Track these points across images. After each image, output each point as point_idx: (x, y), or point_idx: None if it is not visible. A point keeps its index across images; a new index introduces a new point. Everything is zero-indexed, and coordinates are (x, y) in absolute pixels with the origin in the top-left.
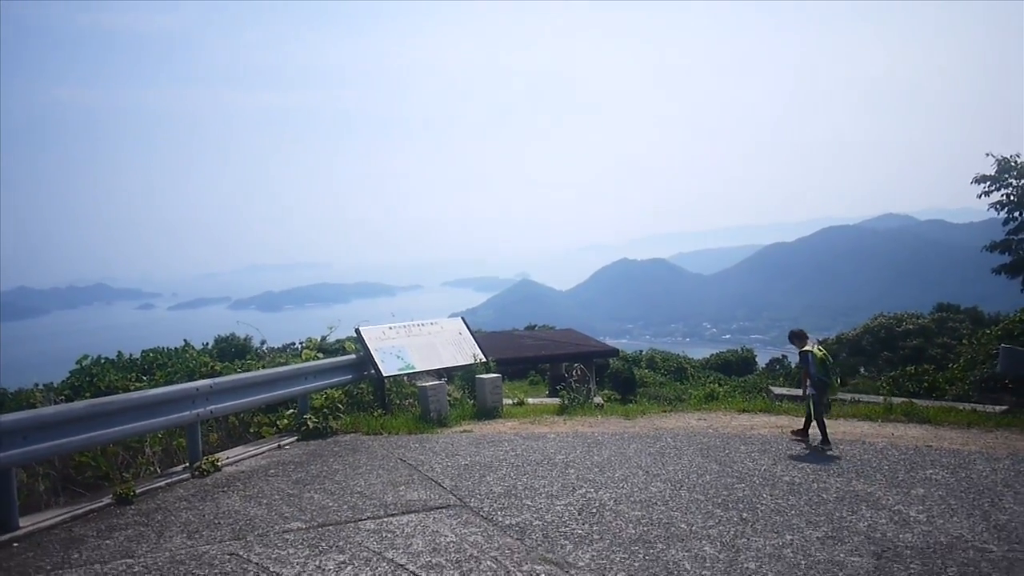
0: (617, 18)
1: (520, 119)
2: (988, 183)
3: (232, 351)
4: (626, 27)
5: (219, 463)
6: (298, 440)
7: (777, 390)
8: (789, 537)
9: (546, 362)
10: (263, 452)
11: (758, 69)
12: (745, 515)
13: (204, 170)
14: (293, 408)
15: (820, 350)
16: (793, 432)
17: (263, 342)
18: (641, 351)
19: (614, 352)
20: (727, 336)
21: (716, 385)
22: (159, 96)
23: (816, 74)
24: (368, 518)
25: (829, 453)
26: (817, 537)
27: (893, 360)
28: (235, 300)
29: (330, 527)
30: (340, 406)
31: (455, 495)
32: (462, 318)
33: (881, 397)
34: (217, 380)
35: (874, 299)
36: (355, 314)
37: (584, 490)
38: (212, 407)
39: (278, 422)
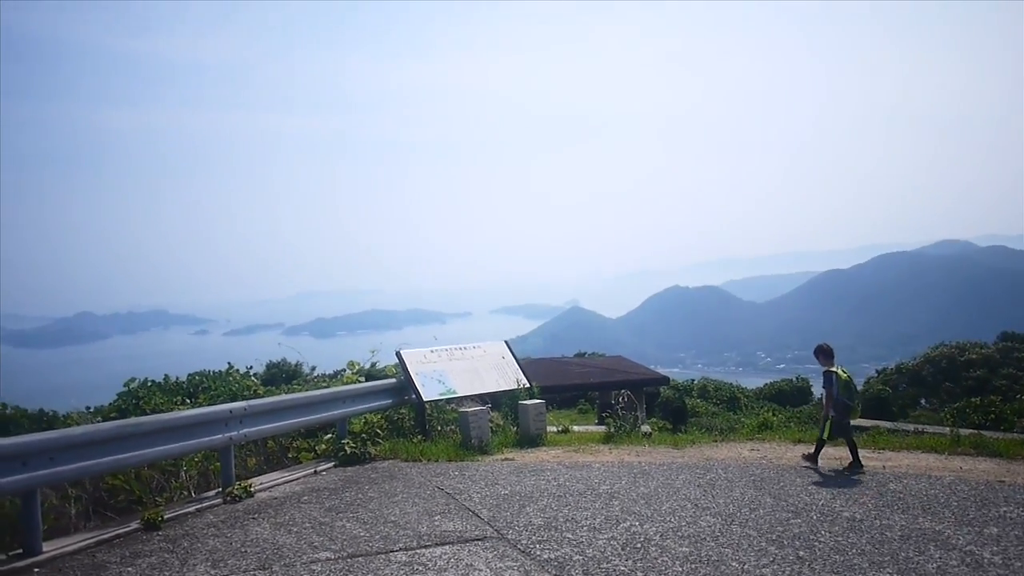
0: (664, 38)
1: (569, 142)
2: None
3: (283, 376)
4: (673, 47)
5: (252, 488)
6: (335, 466)
7: None
8: None
9: (595, 390)
10: (298, 478)
11: (810, 90)
12: (802, 553)
13: (257, 197)
14: (332, 433)
15: (844, 372)
16: (804, 456)
17: (313, 368)
18: (693, 380)
19: (664, 380)
20: (781, 365)
21: (770, 414)
22: (212, 121)
23: (870, 97)
24: (400, 549)
25: (859, 477)
26: None
27: (955, 391)
28: (288, 327)
29: (360, 558)
30: (379, 431)
31: (492, 526)
32: (505, 342)
33: (947, 428)
34: (251, 403)
35: (932, 328)
36: (406, 340)
37: (629, 523)
38: (246, 430)
39: (316, 447)
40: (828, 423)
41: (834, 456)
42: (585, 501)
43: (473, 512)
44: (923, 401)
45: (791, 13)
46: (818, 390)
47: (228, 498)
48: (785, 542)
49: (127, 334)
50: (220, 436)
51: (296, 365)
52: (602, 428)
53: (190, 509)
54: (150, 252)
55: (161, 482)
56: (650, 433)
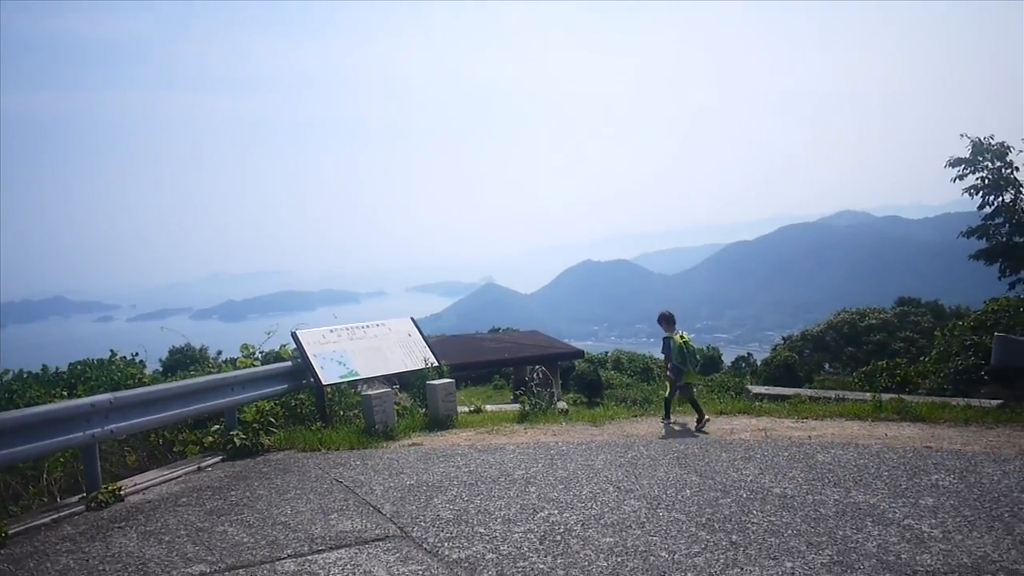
0: (581, 22)
1: (480, 122)
2: (962, 166)
3: (187, 362)
4: (589, 31)
5: (122, 492)
6: (222, 460)
7: (756, 388)
8: (789, 564)
9: (509, 366)
10: (179, 476)
11: (717, 71)
12: (735, 538)
13: (163, 177)
14: (221, 424)
15: (683, 337)
16: (663, 419)
17: (219, 352)
18: (607, 352)
19: (579, 354)
20: (692, 335)
21: None
22: (114, 102)
23: (774, 74)
24: (288, 556)
25: (705, 431)
26: (822, 563)
27: (857, 355)
28: (197, 310)
29: (240, 570)
30: (273, 420)
31: (395, 523)
32: (412, 318)
33: (869, 394)
34: (118, 395)
35: (835, 295)
36: (319, 321)
37: (546, 512)
38: (113, 426)
39: (204, 440)
40: (669, 384)
41: (759, 428)
42: (499, 489)
43: (374, 507)
44: (827, 366)
45: None
46: (729, 357)
47: (92, 504)
48: (716, 525)
49: (23, 323)
50: (81, 434)
51: (201, 350)
52: (517, 406)
53: (45, 520)
54: (48, 236)
55: (18, 488)
56: (567, 410)
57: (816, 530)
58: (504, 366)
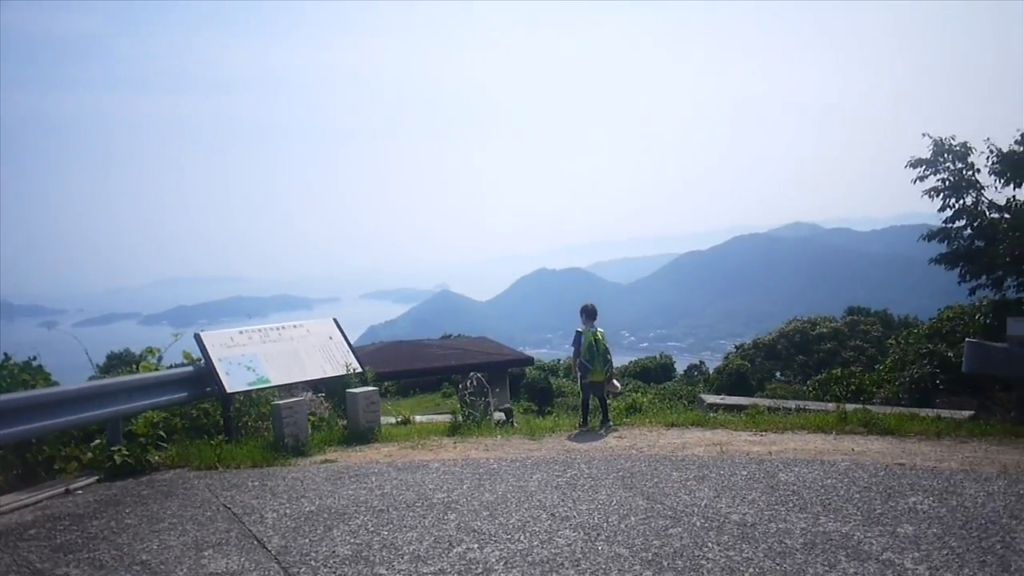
0: (536, 27)
1: (436, 128)
2: (923, 167)
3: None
4: (544, 37)
5: None
6: (98, 481)
7: (710, 398)
8: None
9: (455, 372)
10: (39, 501)
11: (672, 83)
12: None
13: (110, 179)
14: (102, 438)
15: (595, 333)
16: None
17: (159, 358)
18: (559, 360)
19: (528, 360)
20: (644, 344)
21: (638, 394)
22: (59, 101)
23: (727, 89)
24: None
25: (612, 433)
26: None
27: (808, 364)
28: (146, 315)
29: None
30: (163, 434)
31: (280, 562)
32: (334, 319)
33: (832, 404)
34: None
35: (786, 305)
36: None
37: (465, 546)
38: None
39: (81, 456)
40: (582, 385)
41: (713, 442)
42: (413, 516)
43: (260, 541)
44: (778, 374)
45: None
46: (681, 366)
47: None
48: (664, 562)
49: None
50: None
51: (141, 355)
52: (448, 417)
53: None
54: None
55: None
56: (506, 421)
57: (782, 567)
58: (451, 373)
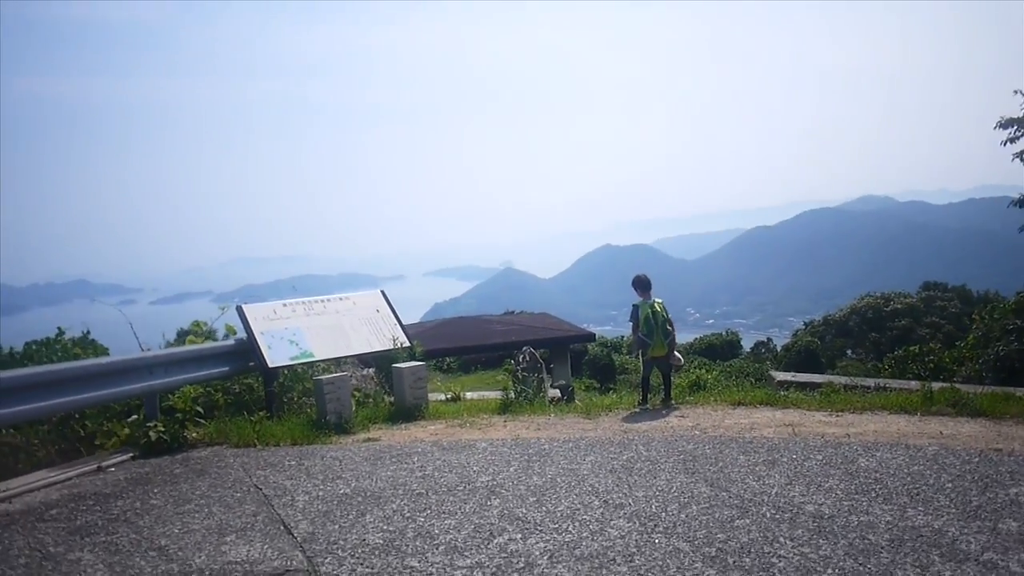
0: (602, 5)
1: (500, 107)
2: (1015, 127)
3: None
4: (606, 14)
5: None
6: (133, 458)
7: (780, 375)
8: None
9: (516, 348)
10: (70, 478)
11: (737, 55)
12: None
13: (182, 163)
14: (140, 413)
15: (653, 305)
16: (638, 403)
17: (242, 334)
18: (622, 336)
19: (590, 336)
20: (710, 321)
21: (703, 371)
22: (129, 88)
23: (794, 60)
24: None
25: (674, 412)
26: None
27: (881, 341)
28: (218, 294)
29: None
30: (200, 409)
31: (305, 550)
32: (382, 291)
33: (916, 382)
34: None
35: (856, 281)
36: None
37: (507, 536)
38: None
39: (118, 432)
40: (643, 360)
41: (785, 423)
42: (453, 501)
43: (287, 526)
44: (849, 352)
45: None
46: (748, 343)
47: None
48: (730, 559)
49: (48, 306)
50: None
51: (210, 332)
52: (499, 394)
53: None
54: (71, 220)
55: None
56: (562, 398)
57: (866, 568)
58: (511, 349)
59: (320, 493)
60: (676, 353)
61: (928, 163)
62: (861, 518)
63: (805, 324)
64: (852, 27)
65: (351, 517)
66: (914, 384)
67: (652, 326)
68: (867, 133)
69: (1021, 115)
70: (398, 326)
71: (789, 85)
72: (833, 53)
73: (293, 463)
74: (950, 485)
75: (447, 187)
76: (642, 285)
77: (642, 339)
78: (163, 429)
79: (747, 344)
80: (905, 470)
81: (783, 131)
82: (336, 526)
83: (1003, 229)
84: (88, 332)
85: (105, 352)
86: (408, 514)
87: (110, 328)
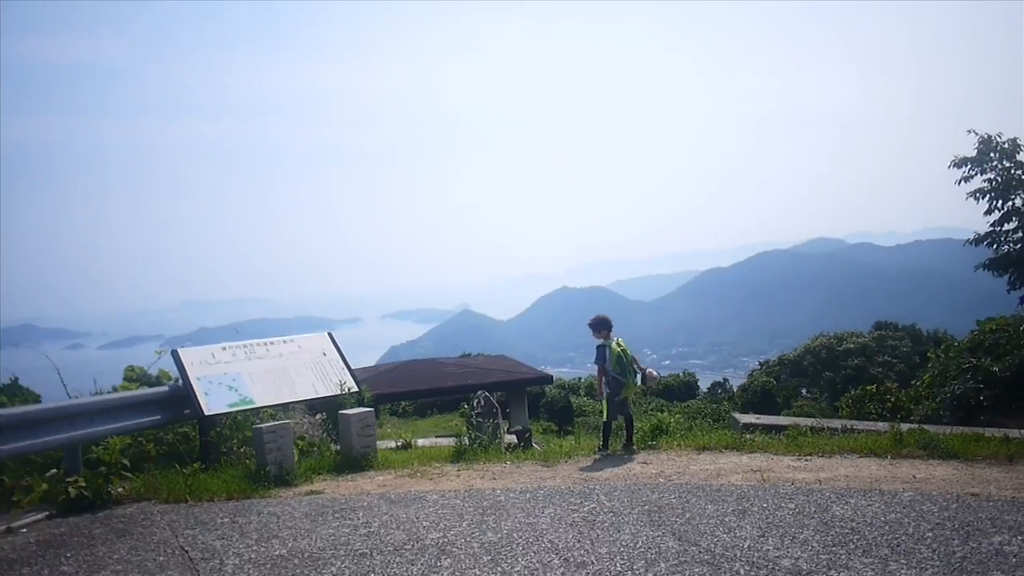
0: (550, 43)
1: (453, 147)
2: (968, 166)
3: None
4: (559, 51)
5: None
6: (49, 517)
7: (744, 418)
8: None
9: (471, 391)
10: None
11: (688, 98)
12: None
13: (132, 204)
14: (60, 468)
15: (620, 344)
16: (597, 448)
17: (177, 380)
18: (580, 378)
19: (547, 379)
20: (667, 362)
21: (664, 414)
22: (85, 125)
23: (746, 103)
24: None
25: (635, 458)
26: None
27: (835, 380)
28: (169, 338)
29: None
30: (126, 462)
31: None
32: (329, 333)
33: (883, 424)
34: None
35: (809, 321)
36: None
37: None
38: None
39: (37, 487)
40: (606, 403)
41: (752, 468)
42: (399, 563)
43: None
44: (804, 391)
45: (664, 13)
46: (704, 383)
47: None
48: None
49: None
50: None
51: (157, 378)
52: (452, 440)
53: None
54: (14, 263)
55: None
56: (519, 443)
57: None
58: (467, 392)
59: (252, 555)
60: (652, 371)
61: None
62: (842, 574)
63: (760, 364)
64: (805, 72)
65: None
66: (881, 426)
67: (624, 365)
68: (818, 177)
69: (975, 154)
70: (346, 370)
71: (743, 130)
72: (783, 96)
73: (226, 520)
74: (930, 534)
75: (406, 228)
76: (603, 325)
77: (616, 378)
78: (84, 484)
79: (704, 384)
80: (882, 518)
81: (735, 175)
82: None
83: (950, 269)
84: (16, 379)
85: (37, 400)
86: None
87: (53, 375)
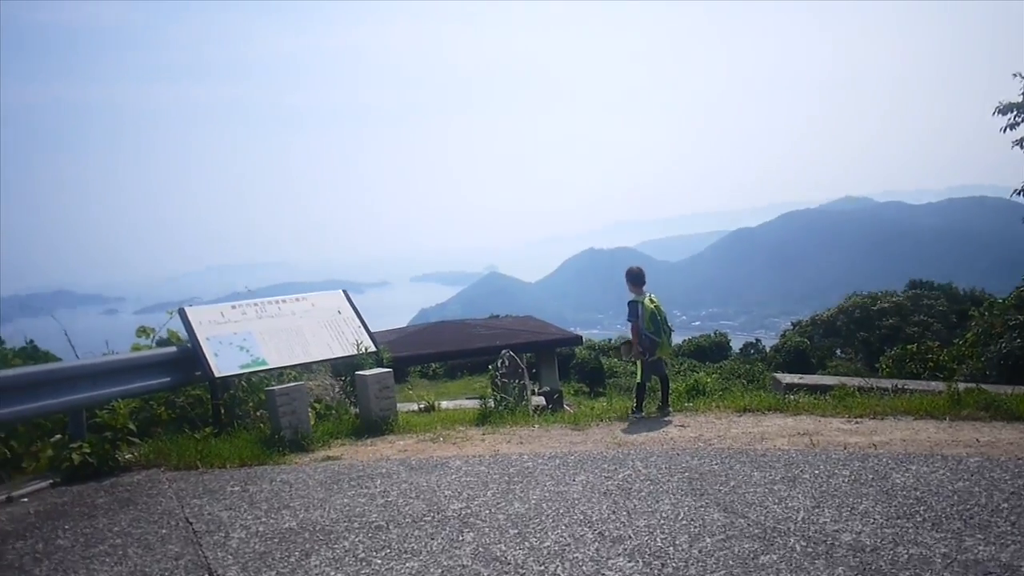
0: (582, 5)
1: (485, 108)
2: (1014, 112)
3: None
4: (590, 14)
5: None
6: (53, 485)
7: (786, 378)
8: None
9: (499, 352)
10: None
11: (719, 58)
12: None
13: (166, 169)
14: (65, 433)
15: (653, 300)
16: (631, 411)
17: (187, 341)
18: (610, 339)
19: (577, 339)
20: (696, 323)
21: (701, 374)
22: (111, 93)
23: (774, 63)
24: None
25: (672, 421)
26: None
27: (870, 340)
28: (204, 302)
29: None
30: (133, 427)
31: None
32: (344, 291)
33: (937, 384)
34: None
35: (838, 281)
36: None
37: None
38: None
39: (43, 453)
40: (640, 363)
41: (799, 431)
42: (418, 536)
43: (212, 574)
44: (838, 351)
45: None
46: (736, 344)
47: None
48: None
49: (29, 317)
50: None
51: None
52: (476, 403)
53: None
54: (52, 229)
55: None
56: (548, 405)
57: None
58: (495, 353)
59: (260, 528)
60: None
61: (905, 164)
62: (911, 550)
63: (793, 324)
64: (831, 31)
65: (292, 560)
66: (935, 385)
67: (658, 322)
68: (846, 135)
69: (1021, 100)
70: (363, 329)
71: (769, 88)
72: (812, 56)
73: (236, 489)
74: (1006, 506)
75: (433, 190)
76: (636, 278)
77: (650, 337)
78: (88, 451)
79: (735, 345)
80: (949, 487)
81: (764, 133)
82: (273, 573)
83: (983, 226)
84: (31, 341)
85: (56, 362)
86: (363, 554)
87: (92, 336)
